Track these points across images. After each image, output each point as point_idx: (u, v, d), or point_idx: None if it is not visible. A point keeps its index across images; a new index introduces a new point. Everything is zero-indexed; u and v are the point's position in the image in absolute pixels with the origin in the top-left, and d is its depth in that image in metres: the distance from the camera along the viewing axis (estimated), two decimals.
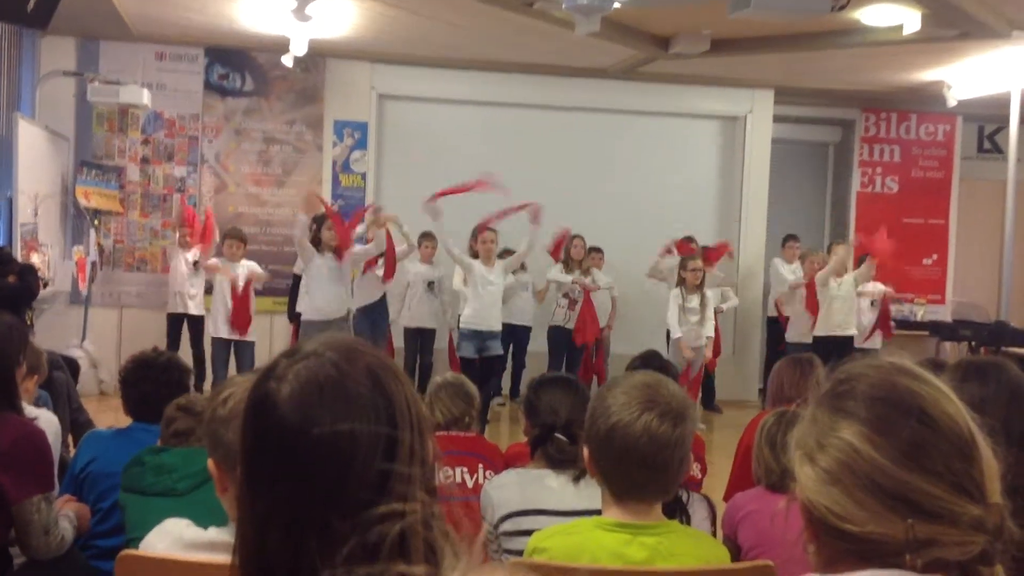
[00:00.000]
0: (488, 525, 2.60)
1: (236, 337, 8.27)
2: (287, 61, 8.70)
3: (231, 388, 1.88)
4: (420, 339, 9.21)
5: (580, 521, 2.17)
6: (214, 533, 1.86)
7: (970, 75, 9.52)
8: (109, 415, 6.43)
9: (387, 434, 1.08)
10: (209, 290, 8.62)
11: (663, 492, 2.14)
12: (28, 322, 6.71)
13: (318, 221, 8.33)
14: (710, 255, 9.22)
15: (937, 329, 10.47)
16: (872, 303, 9.22)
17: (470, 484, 3.20)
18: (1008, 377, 2.19)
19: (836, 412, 1.24)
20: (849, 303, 8.55)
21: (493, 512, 2.59)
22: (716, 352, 9.19)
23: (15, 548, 2.96)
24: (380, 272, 8.46)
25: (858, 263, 9.41)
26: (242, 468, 1.12)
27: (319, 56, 9.55)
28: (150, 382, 3.35)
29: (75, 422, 5.46)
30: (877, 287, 9.21)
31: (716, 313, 9.01)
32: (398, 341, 9.20)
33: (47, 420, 3.35)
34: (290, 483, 1.06)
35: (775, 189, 10.93)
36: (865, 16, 7.52)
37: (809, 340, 8.58)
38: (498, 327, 8.23)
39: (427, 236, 9.17)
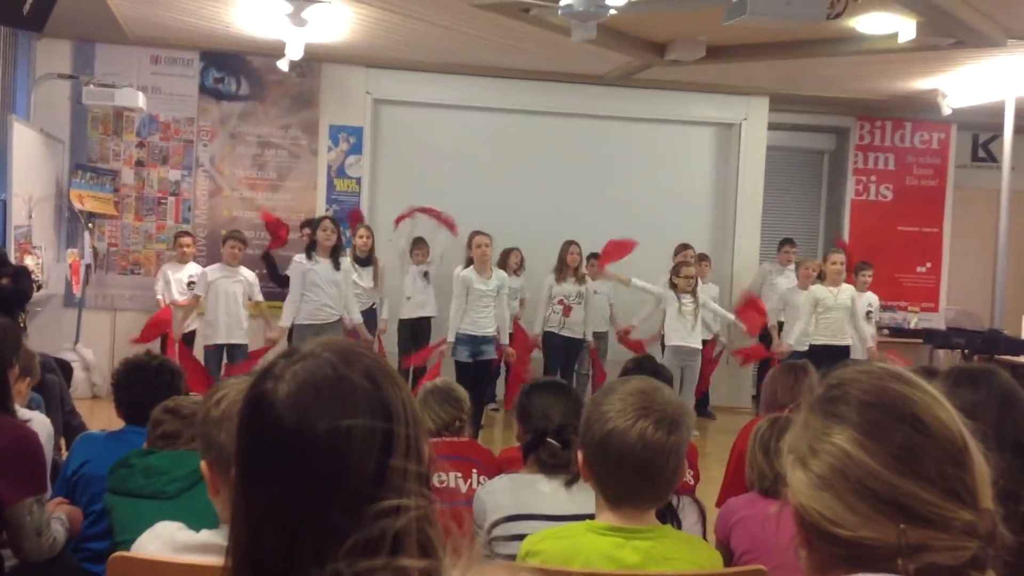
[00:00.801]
0: (480, 530, 2.60)
1: (229, 341, 8.18)
2: (283, 65, 8.69)
3: (224, 390, 1.88)
4: (418, 329, 9.22)
5: (573, 525, 2.17)
6: (206, 536, 1.86)
7: (965, 84, 9.54)
8: (102, 418, 6.41)
9: (383, 430, 1.08)
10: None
11: (657, 499, 2.14)
12: (21, 324, 6.68)
13: (312, 225, 8.34)
14: (604, 257, 9.26)
15: (931, 337, 10.49)
16: (868, 314, 9.21)
17: (464, 489, 3.20)
18: (999, 383, 2.20)
19: (828, 417, 1.24)
20: (845, 313, 8.53)
21: (485, 517, 2.59)
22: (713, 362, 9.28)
23: (7, 550, 2.95)
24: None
25: (854, 270, 9.43)
26: (237, 468, 1.12)
27: (315, 60, 9.55)
28: (142, 386, 3.35)
29: (68, 425, 5.45)
30: (865, 297, 9.22)
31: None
32: (396, 335, 9.22)
33: (40, 422, 3.34)
34: (286, 482, 1.07)
35: (770, 196, 10.95)
36: (860, 24, 7.53)
37: (801, 348, 8.57)
38: (493, 333, 8.23)
39: (419, 243, 9.24)
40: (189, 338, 8.58)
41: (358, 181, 10.05)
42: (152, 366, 3.41)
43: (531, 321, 9.28)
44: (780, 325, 9.45)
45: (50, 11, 7.66)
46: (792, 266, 9.86)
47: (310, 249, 7.88)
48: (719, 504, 3.41)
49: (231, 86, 9.79)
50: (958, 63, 8.79)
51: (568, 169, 10.46)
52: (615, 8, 6.19)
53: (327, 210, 9.68)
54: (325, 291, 7.79)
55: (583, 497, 2.39)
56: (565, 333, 9.21)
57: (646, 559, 2.06)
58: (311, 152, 9.95)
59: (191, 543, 1.86)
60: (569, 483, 2.58)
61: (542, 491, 2.59)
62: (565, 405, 2.81)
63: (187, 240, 8.95)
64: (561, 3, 6.11)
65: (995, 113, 9.71)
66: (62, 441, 5.10)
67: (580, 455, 2.14)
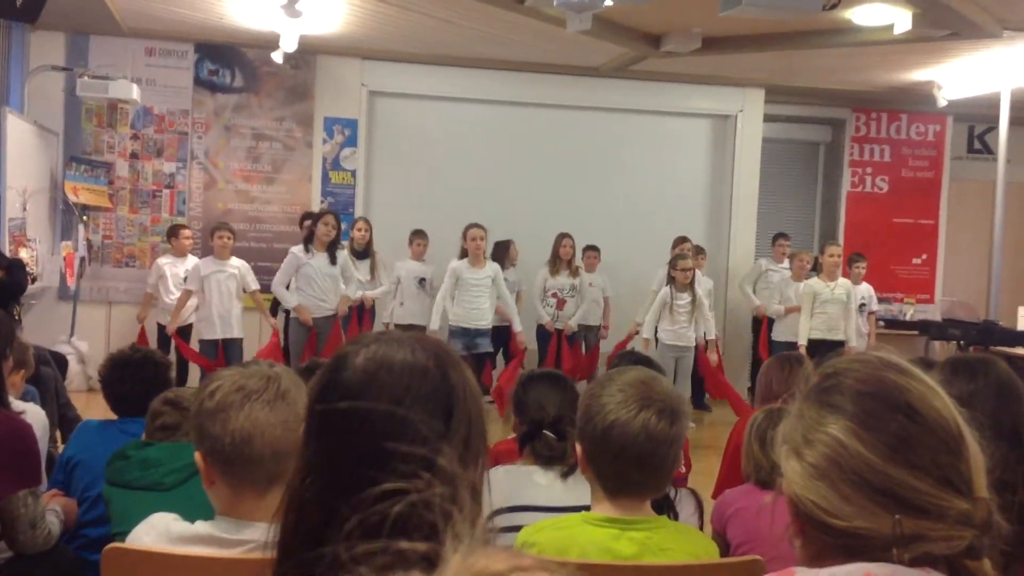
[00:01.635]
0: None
1: (224, 336, 8.15)
2: (277, 57, 8.67)
3: (218, 381, 1.87)
4: None
5: (570, 516, 2.17)
6: (201, 527, 1.86)
7: (961, 75, 9.55)
8: (97, 410, 6.36)
9: (444, 410, 1.19)
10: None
11: (657, 489, 2.14)
12: (16, 317, 6.67)
13: (313, 218, 8.33)
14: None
15: (926, 328, 10.50)
16: (861, 307, 9.22)
17: None
18: (996, 373, 2.20)
19: (823, 407, 1.24)
20: (841, 308, 8.53)
21: None
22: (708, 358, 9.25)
23: (2, 542, 2.94)
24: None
25: (848, 263, 9.44)
26: (305, 423, 1.24)
27: (309, 53, 9.52)
28: (127, 382, 3.37)
29: (63, 417, 5.44)
30: (859, 289, 9.22)
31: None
32: None
33: (34, 414, 3.34)
34: (340, 434, 1.18)
35: (765, 188, 10.95)
36: (856, 15, 7.53)
37: (794, 339, 8.58)
38: (486, 325, 8.23)
39: (418, 234, 9.18)
40: (185, 332, 8.54)
41: (353, 174, 10.04)
42: (135, 359, 3.42)
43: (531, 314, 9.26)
44: (771, 323, 9.46)
45: (44, 3, 7.65)
46: (786, 261, 9.85)
47: (307, 241, 7.87)
48: (715, 496, 3.41)
49: (226, 78, 9.76)
50: (954, 54, 8.79)
51: (563, 161, 10.45)
52: None
53: (322, 203, 9.67)
54: (320, 285, 7.79)
55: (579, 488, 2.39)
56: (558, 326, 9.24)
57: (642, 550, 2.05)
58: (306, 144, 9.93)
59: (186, 534, 1.86)
60: (565, 475, 2.57)
61: (538, 483, 2.59)
62: (561, 397, 2.81)
63: (187, 232, 8.87)
64: None
65: (991, 105, 9.71)
66: (57, 434, 5.10)
67: (579, 448, 2.14)
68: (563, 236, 9.38)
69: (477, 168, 10.27)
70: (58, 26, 9.06)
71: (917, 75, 9.78)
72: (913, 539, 1.15)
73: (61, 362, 6.51)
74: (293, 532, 1.18)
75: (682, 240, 9.57)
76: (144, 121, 9.63)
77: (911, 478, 1.16)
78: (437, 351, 1.25)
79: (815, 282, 8.61)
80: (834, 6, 6.71)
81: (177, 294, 8.47)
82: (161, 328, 8.59)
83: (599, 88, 10.36)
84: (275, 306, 8.60)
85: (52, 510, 2.99)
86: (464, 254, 8.27)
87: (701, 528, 2.66)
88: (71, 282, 9.08)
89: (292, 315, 7.80)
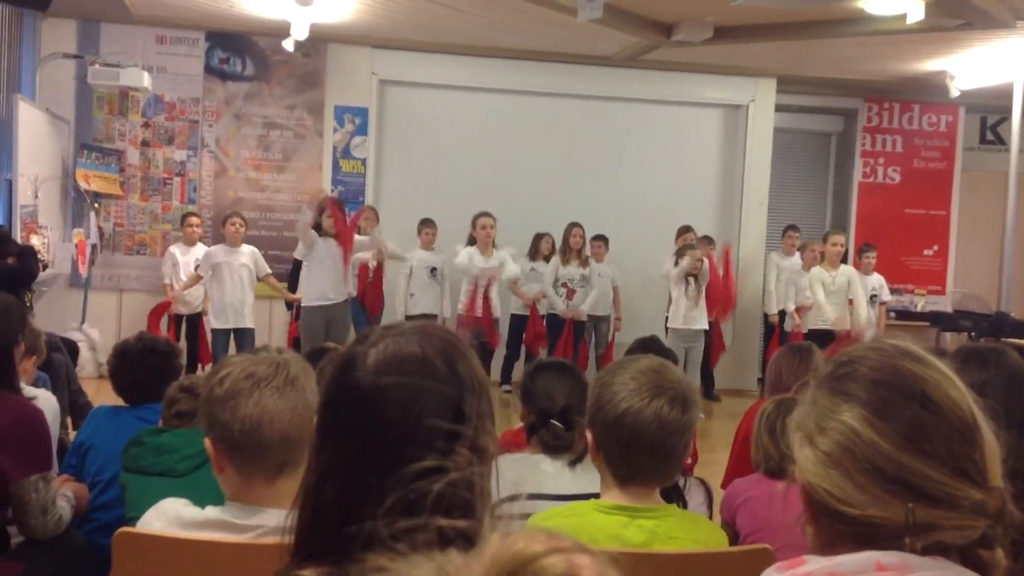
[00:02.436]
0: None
1: (236, 326, 8.16)
2: (288, 46, 8.67)
3: (228, 368, 1.87)
4: None
5: (580, 503, 2.17)
6: (211, 512, 1.86)
7: (973, 65, 9.49)
8: (109, 397, 6.38)
9: (454, 399, 1.22)
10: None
11: (668, 477, 2.14)
12: (27, 303, 6.70)
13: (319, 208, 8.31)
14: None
15: (937, 320, 10.48)
16: (872, 298, 9.21)
17: None
18: (1008, 362, 2.19)
19: (837, 394, 1.23)
20: (843, 298, 8.53)
21: None
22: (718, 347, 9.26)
23: (13, 527, 2.96)
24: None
25: (858, 254, 9.42)
26: (318, 419, 1.27)
27: (320, 41, 9.52)
28: (132, 372, 3.39)
29: (74, 404, 5.47)
30: (870, 280, 9.20)
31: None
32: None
33: (45, 400, 3.35)
34: (359, 437, 1.20)
35: (777, 178, 10.91)
36: (868, 5, 7.48)
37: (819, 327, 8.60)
38: (494, 313, 8.24)
39: (427, 223, 9.17)
40: (195, 321, 8.56)
41: (363, 162, 10.03)
42: (137, 349, 3.43)
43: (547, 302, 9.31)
44: (782, 314, 9.45)
45: None
46: (796, 253, 9.81)
47: (317, 228, 7.88)
48: (724, 485, 3.41)
49: (236, 66, 9.76)
50: (967, 44, 8.74)
51: (573, 151, 10.42)
52: None
53: (332, 191, 9.66)
54: (331, 272, 7.77)
55: (587, 476, 2.39)
56: (569, 315, 9.24)
57: (651, 537, 2.05)
58: (316, 133, 9.93)
59: (196, 519, 1.87)
60: (572, 463, 2.57)
61: (546, 471, 2.59)
62: (569, 386, 2.80)
63: (196, 220, 8.90)
64: None
65: (1004, 95, 9.67)
66: (69, 420, 5.12)
67: (590, 435, 2.13)
68: (573, 225, 9.37)
69: (487, 157, 10.25)
70: (70, 14, 9.07)
71: (930, 65, 9.73)
72: (926, 528, 1.14)
73: (72, 349, 6.54)
74: (311, 526, 1.21)
75: (686, 229, 9.55)
76: (155, 109, 9.64)
77: (925, 467, 1.15)
78: (445, 344, 1.26)
79: (817, 270, 8.62)
80: None
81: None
82: (174, 316, 8.62)
83: (610, 77, 10.32)
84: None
85: (63, 495, 3.00)
86: (471, 241, 8.27)
87: (710, 517, 2.66)
88: (83, 269, 9.11)
89: (305, 304, 7.79)
